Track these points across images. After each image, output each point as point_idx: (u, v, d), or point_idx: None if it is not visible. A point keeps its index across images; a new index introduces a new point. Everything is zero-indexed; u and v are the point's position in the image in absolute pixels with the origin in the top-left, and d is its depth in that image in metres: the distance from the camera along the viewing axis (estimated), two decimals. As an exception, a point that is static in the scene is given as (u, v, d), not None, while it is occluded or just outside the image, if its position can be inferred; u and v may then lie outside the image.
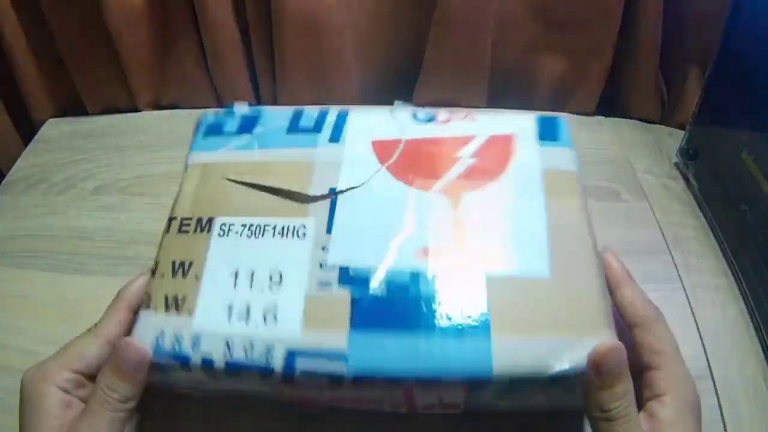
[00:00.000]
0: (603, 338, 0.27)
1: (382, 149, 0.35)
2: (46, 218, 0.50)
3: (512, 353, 0.27)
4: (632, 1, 0.52)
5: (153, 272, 0.31)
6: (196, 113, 0.60)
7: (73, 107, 0.61)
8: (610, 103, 0.60)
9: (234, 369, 0.28)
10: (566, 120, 0.36)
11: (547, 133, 0.35)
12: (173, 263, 0.31)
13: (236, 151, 0.35)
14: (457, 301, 0.28)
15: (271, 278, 0.30)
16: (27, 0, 0.52)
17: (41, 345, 0.40)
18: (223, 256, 0.31)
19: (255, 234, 0.32)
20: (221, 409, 0.36)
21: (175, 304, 0.29)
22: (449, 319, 0.28)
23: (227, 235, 0.32)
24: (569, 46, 0.56)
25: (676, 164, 0.54)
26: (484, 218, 0.32)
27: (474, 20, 0.53)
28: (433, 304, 0.28)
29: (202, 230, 0.32)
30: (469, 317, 0.28)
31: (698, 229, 0.48)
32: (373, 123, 0.36)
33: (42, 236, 0.48)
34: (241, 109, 0.38)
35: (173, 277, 0.30)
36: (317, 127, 0.36)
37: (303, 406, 0.33)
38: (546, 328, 0.28)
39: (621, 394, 0.26)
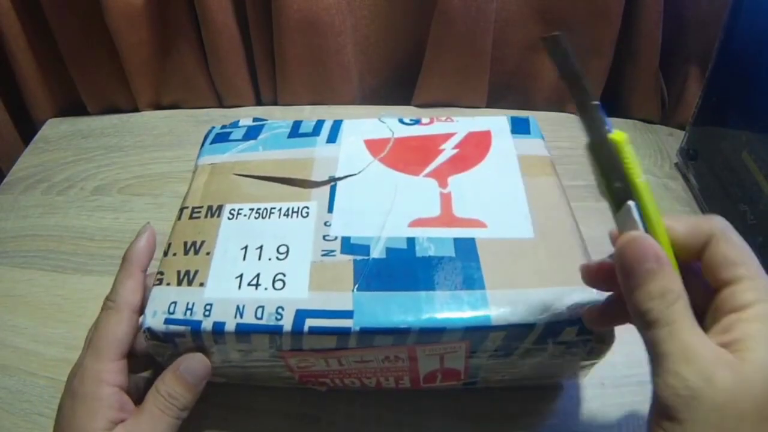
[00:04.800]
0: (589, 290, 0.28)
1: (374, 146, 0.38)
2: (46, 218, 0.50)
3: (507, 303, 0.29)
4: (632, 1, 0.52)
5: (165, 253, 0.32)
6: (196, 113, 0.61)
7: (73, 107, 0.62)
8: (611, 103, 0.60)
9: (245, 331, 0.29)
10: (535, 119, 0.41)
11: (520, 128, 0.40)
12: (185, 243, 0.33)
13: (242, 152, 0.38)
14: (451, 262, 0.31)
15: (278, 250, 0.32)
16: (27, 0, 0.52)
17: (41, 345, 0.41)
18: (232, 235, 0.33)
19: (262, 216, 0.34)
20: (221, 410, 0.36)
21: (187, 278, 0.31)
22: (445, 278, 0.30)
23: (236, 218, 0.34)
24: (570, 45, 0.56)
25: (676, 164, 0.54)
26: (469, 194, 0.35)
27: (474, 20, 0.53)
28: (429, 266, 0.31)
29: (212, 215, 0.34)
30: (464, 275, 0.30)
31: (698, 229, 0.48)
32: (365, 127, 0.40)
33: (42, 236, 0.48)
34: (246, 121, 0.41)
35: (185, 254, 0.32)
36: (315, 131, 0.40)
37: (306, 384, 0.34)
38: (536, 281, 0.30)
39: (657, 293, 0.22)
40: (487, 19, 0.53)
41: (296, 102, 0.61)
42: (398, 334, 0.28)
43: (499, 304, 0.29)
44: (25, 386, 0.38)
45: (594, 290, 0.28)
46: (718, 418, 0.20)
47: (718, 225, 0.24)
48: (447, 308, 0.29)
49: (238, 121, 0.41)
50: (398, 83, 0.61)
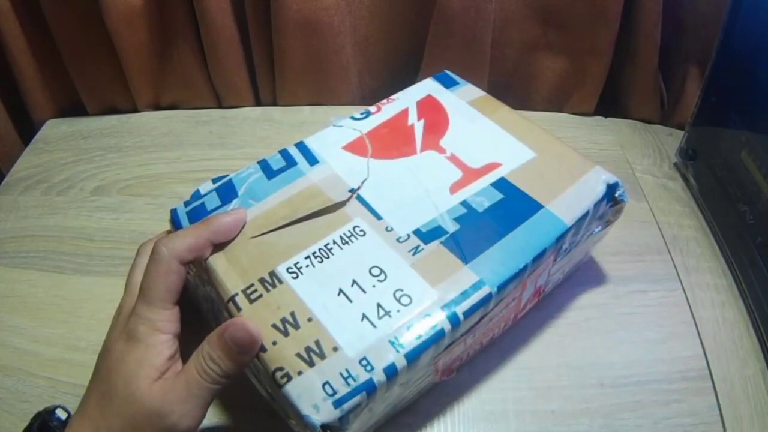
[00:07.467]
0: (599, 170, 0.36)
1: (356, 148, 0.38)
2: (46, 218, 0.50)
3: (565, 206, 0.34)
4: (632, 2, 0.52)
5: (257, 355, 0.28)
6: (195, 114, 0.61)
7: (73, 107, 0.62)
8: (610, 103, 0.60)
9: (414, 356, 0.28)
10: (450, 71, 0.45)
11: (448, 83, 0.44)
12: (275, 326, 0.29)
13: None
14: (504, 202, 0.34)
15: (371, 273, 0.31)
16: (27, 0, 0.52)
17: (40, 345, 0.41)
18: (315, 289, 0.30)
19: (323, 256, 0.31)
20: (222, 409, 0.36)
21: (313, 353, 0.27)
22: (512, 215, 0.33)
23: (302, 273, 0.31)
24: (569, 46, 0.57)
25: (676, 164, 0.54)
26: (466, 148, 0.38)
27: (473, 20, 0.53)
28: (493, 213, 0.34)
29: (273, 285, 0.30)
30: (522, 206, 0.34)
31: (697, 229, 0.48)
32: (331, 137, 0.39)
33: (42, 236, 0.48)
34: (205, 186, 0.37)
35: (287, 336, 0.28)
36: (290, 162, 0.38)
37: (441, 379, 0.34)
38: (568, 180, 0.35)
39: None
40: (486, 19, 0.53)
41: (295, 102, 0.61)
42: (521, 272, 0.31)
43: (562, 210, 0.33)
44: (25, 386, 0.38)
45: (600, 168, 0.36)
46: None
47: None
48: (535, 234, 0.32)
49: (198, 189, 0.37)
50: (397, 83, 0.61)
